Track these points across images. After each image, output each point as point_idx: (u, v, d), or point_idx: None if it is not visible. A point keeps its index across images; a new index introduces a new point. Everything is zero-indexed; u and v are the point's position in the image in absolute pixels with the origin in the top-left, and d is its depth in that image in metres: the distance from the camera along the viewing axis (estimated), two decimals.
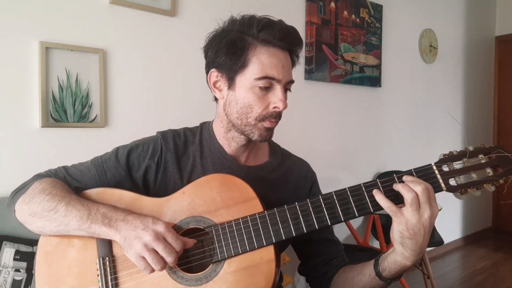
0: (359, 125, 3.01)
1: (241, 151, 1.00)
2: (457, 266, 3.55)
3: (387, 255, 0.86)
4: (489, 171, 0.83)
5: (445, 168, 0.84)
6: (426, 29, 3.48)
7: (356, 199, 0.84)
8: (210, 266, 0.84)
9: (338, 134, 2.87)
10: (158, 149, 0.97)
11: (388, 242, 2.53)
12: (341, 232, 2.82)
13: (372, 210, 0.83)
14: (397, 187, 0.81)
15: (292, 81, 0.93)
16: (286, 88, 0.93)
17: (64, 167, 0.96)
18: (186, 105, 2.06)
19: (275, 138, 1.05)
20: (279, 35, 0.87)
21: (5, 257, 1.41)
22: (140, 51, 1.91)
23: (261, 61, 0.87)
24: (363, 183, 0.84)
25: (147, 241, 0.78)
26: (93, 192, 0.91)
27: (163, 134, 1.00)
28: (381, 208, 0.82)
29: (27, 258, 1.44)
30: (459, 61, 3.91)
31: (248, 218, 0.85)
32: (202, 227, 0.86)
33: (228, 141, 0.98)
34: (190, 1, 2.08)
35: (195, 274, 0.84)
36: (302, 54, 2.43)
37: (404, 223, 0.78)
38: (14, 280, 1.40)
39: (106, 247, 0.86)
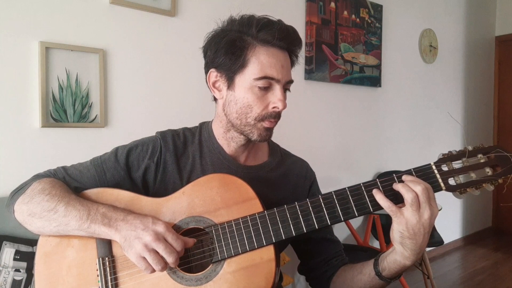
0: (359, 125, 3.01)
1: (240, 151, 1.00)
2: (457, 266, 3.55)
3: (386, 254, 0.86)
4: (488, 170, 0.83)
5: (445, 168, 0.84)
6: (426, 29, 3.48)
7: (355, 199, 0.84)
8: (210, 266, 0.84)
9: (338, 134, 2.87)
10: (157, 149, 0.97)
11: (388, 242, 2.53)
12: (341, 232, 2.82)
13: (371, 210, 0.83)
14: (397, 187, 0.81)
15: (291, 81, 0.93)
16: (285, 88, 0.92)
17: (63, 167, 0.96)
18: (186, 105, 2.06)
19: (275, 138, 1.06)
20: (278, 35, 0.87)
21: (5, 257, 1.42)
22: (140, 51, 1.91)
23: (260, 61, 0.87)
24: (363, 183, 0.84)
25: (147, 241, 0.78)
26: (92, 192, 0.91)
27: (163, 134, 0.99)
28: (381, 208, 0.82)
29: (27, 258, 1.44)
30: (459, 61, 3.91)
31: (248, 218, 0.85)
32: (202, 227, 0.86)
33: (228, 141, 0.98)
34: (190, 1, 2.08)
35: (195, 274, 0.84)
36: (302, 54, 2.44)
37: (404, 223, 0.78)
38: (14, 280, 1.40)
39: (106, 247, 0.86)
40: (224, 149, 0.99)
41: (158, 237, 0.78)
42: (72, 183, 0.93)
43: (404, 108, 3.36)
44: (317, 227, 0.84)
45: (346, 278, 0.96)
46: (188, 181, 0.93)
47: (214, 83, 0.95)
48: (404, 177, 0.82)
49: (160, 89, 1.99)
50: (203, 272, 0.84)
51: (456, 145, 3.82)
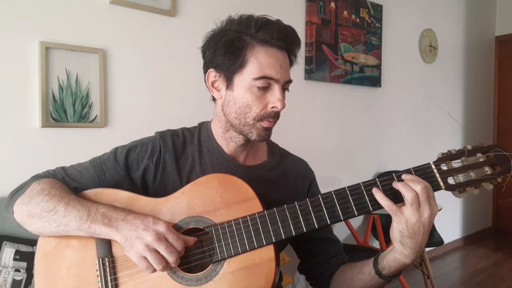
0: (359, 125, 3.01)
1: (239, 150, 1.00)
2: (457, 266, 3.55)
3: (386, 253, 0.86)
4: (487, 169, 0.83)
5: (444, 167, 0.84)
6: (426, 29, 3.48)
7: (355, 198, 0.84)
8: (210, 266, 0.84)
9: (338, 134, 2.87)
10: (156, 149, 0.97)
11: (388, 242, 2.53)
12: (341, 232, 2.82)
13: (371, 209, 0.83)
14: (397, 185, 0.81)
15: (290, 81, 0.93)
16: (284, 88, 0.92)
17: (63, 168, 0.96)
18: (186, 105, 2.06)
19: (275, 138, 1.06)
20: (277, 35, 0.87)
21: (5, 257, 1.42)
22: (140, 51, 1.91)
23: (259, 61, 0.87)
24: (362, 182, 0.84)
25: (148, 241, 0.78)
26: (91, 192, 0.91)
27: (162, 135, 0.99)
28: (380, 207, 0.82)
29: (27, 258, 1.44)
30: (459, 61, 3.91)
31: (248, 218, 0.85)
32: (201, 227, 0.86)
33: (227, 141, 0.98)
34: (190, 1, 2.08)
35: (195, 274, 0.84)
36: (301, 54, 2.44)
37: (404, 222, 0.78)
38: (14, 280, 1.40)
39: (106, 247, 0.86)
40: (223, 149, 0.99)
41: (159, 237, 0.78)
42: (71, 184, 0.93)
43: (404, 108, 3.36)
44: (316, 226, 0.84)
45: (346, 277, 0.97)
46: (188, 181, 0.93)
47: (213, 83, 0.95)
48: (403, 176, 0.82)
49: (160, 89, 1.99)
50: (203, 272, 0.84)
51: (456, 145, 3.82)
